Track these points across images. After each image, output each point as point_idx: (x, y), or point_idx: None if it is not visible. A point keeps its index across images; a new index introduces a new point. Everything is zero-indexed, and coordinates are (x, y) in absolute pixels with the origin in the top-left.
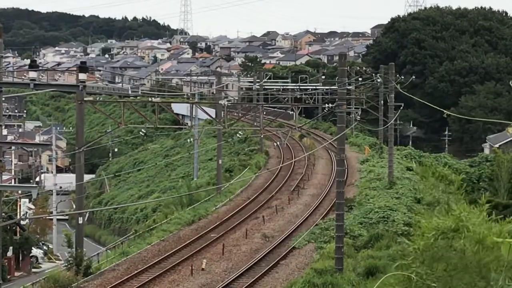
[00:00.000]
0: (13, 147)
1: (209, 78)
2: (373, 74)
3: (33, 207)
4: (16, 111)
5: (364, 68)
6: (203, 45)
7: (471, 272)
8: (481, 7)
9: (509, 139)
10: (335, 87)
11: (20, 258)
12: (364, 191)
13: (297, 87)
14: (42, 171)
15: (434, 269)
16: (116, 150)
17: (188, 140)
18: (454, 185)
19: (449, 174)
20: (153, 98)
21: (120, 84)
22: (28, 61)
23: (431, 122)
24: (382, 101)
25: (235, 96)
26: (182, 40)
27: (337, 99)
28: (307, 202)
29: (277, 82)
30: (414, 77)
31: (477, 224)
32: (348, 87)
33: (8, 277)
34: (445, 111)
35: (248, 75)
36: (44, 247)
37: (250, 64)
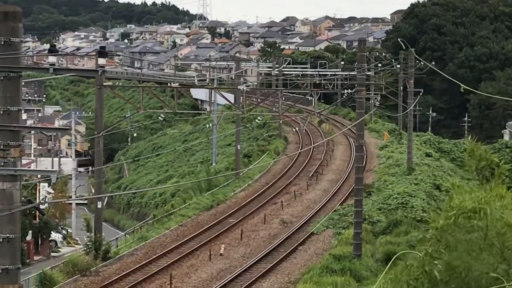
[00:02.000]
0: (32, 132)
1: (228, 63)
2: (393, 60)
3: (52, 191)
4: (36, 95)
5: (383, 54)
6: (222, 30)
7: (493, 253)
8: None
9: None
10: (354, 73)
11: (39, 242)
12: (383, 177)
13: (316, 72)
14: (61, 155)
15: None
16: (135, 135)
17: (207, 125)
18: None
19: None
20: (172, 83)
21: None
22: (47, 46)
23: (451, 108)
24: (401, 87)
25: (254, 81)
26: (201, 25)
27: (356, 85)
28: (325, 188)
29: (296, 68)
30: (433, 63)
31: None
32: (368, 73)
33: (28, 261)
34: (462, 85)
35: (267, 61)
36: (63, 231)
37: (269, 49)
